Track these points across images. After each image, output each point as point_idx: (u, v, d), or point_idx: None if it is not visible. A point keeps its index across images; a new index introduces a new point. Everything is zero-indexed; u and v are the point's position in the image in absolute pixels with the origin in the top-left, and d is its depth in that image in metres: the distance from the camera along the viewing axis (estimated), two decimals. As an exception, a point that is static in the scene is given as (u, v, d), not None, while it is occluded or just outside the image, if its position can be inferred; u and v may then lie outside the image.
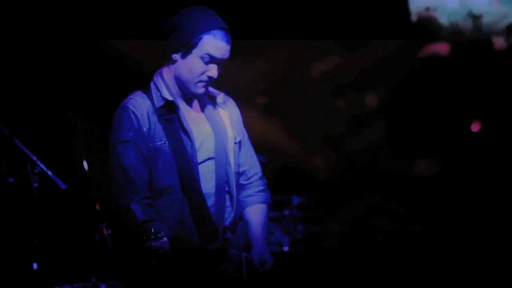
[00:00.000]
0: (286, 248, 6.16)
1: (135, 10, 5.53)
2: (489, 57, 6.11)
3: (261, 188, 3.60)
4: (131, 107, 3.39)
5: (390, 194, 6.19)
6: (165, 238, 3.11)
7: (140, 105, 3.40)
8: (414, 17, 6.05)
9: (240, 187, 3.56)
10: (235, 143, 3.54)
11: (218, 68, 3.39)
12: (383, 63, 6.09)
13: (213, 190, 3.42)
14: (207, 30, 3.34)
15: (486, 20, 6.11)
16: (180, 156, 3.37)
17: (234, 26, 3.43)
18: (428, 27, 6.05)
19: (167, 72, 3.45)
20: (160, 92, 3.43)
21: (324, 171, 6.33)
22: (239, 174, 3.56)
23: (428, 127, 6.18)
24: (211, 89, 3.51)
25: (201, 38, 3.34)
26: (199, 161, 3.41)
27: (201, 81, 3.39)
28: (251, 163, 3.60)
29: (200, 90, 3.42)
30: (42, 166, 4.75)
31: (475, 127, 6.17)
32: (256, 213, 3.56)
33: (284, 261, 5.74)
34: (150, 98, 3.42)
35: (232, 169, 3.50)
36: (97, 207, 4.94)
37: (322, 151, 6.26)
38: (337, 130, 6.34)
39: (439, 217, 6.03)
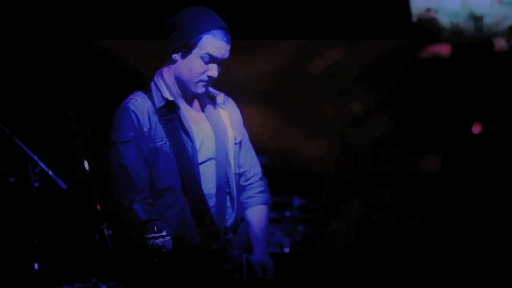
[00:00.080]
0: (286, 250, 6.16)
1: (136, 10, 5.53)
2: (490, 59, 6.11)
3: (261, 189, 3.60)
4: (131, 107, 3.39)
5: (391, 191, 6.19)
6: (168, 237, 3.11)
7: (140, 105, 3.40)
8: (415, 18, 6.05)
9: (241, 188, 3.56)
10: (235, 143, 3.54)
11: (218, 68, 3.39)
12: (382, 63, 6.08)
13: (213, 191, 3.42)
14: (207, 29, 3.34)
15: (487, 21, 6.11)
16: (180, 156, 3.36)
17: (234, 26, 3.43)
18: (429, 28, 6.06)
19: (167, 72, 3.45)
20: (160, 92, 3.43)
21: (326, 172, 6.33)
22: (239, 175, 3.55)
23: (428, 127, 6.17)
24: (211, 89, 3.51)
25: (201, 37, 3.34)
26: (199, 161, 3.41)
27: (202, 80, 3.39)
28: (251, 164, 3.60)
29: (201, 89, 3.41)
30: (43, 165, 4.75)
31: (476, 129, 6.17)
32: (256, 214, 3.56)
33: (284, 263, 5.74)
34: (151, 98, 3.42)
35: (232, 169, 3.50)
36: (98, 207, 4.94)
37: (323, 152, 6.26)
38: (339, 130, 6.34)
39: (439, 215, 6.03)
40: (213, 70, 3.37)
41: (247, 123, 3.64)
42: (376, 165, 6.28)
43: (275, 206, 6.17)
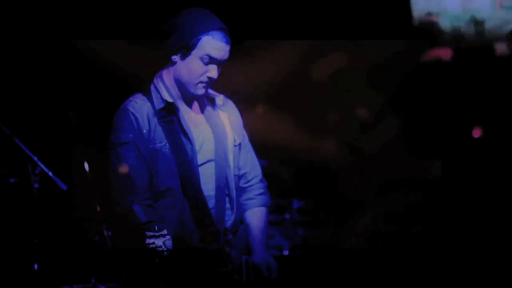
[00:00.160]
0: (286, 252, 6.16)
1: (136, 10, 5.54)
2: (491, 63, 6.11)
3: (261, 191, 3.60)
4: (131, 109, 3.39)
5: (392, 197, 6.19)
6: (168, 236, 3.12)
7: (140, 107, 3.40)
8: (416, 22, 6.06)
9: (240, 190, 3.56)
10: (235, 145, 3.54)
11: (218, 69, 3.40)
12: (382, 68, 6.08)
13: (213, 192, 3.43)
14: (205, 31, 3.34)
15: (488, 25, 6.12)
16: (180, 158, 3.37)
17: (234, 26, 3.43)
18: (430, 32, 6.06)
19: (167, 74, 3.46)
20: (160, 94, 3.43)
21: (326, 174, 6.33)
22: (239, 177, 3.56)
23: (429, 131, 6.17)
24: (210, 91, 3.51)
25: (200, 39, 3.34)
26: (199, 163, 3.41)
27: (201, 82, 3.40)
28: (251, 166, 3.60)
29: (200, 91, 3.42)
30: (43, 166, 4.75)
31: (477, 133, 6.17)
32: (256, 216, 3.56)
33: (284, 265, 5.73)
34: (150, 100, 3.42)
35: (232, 171, 3.50)
36: (98, 208, 4.94)
37: (322, 153, 6.26)
38: (339, 132, 6.35)
39: (440, 220, 6.03)
40: (212, 71, 3.38)
41: (248, 125, 3.64)
42: (380, 171, 6.26)
43: (275, 209, 6.17)
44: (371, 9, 6.01)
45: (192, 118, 3.46)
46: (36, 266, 4.75)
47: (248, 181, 3.58)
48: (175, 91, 3.45)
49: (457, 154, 6.13)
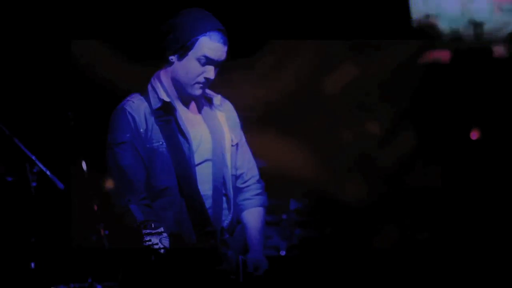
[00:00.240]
0: (283, 253, 6.16)
1: (136, 10, 5.54)
2: (489, 65, 6.11)
3: (258, 191, 3.61)
4: (128, 108, 3.40)
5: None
6: (165, 234, 3.12)
7: (137, 106, 3.41)
8: (415, 24, 6.06)
9: (237, 190, 3.57)
10: (232, 145, 3.55)
11: (215, 69, 3.40)
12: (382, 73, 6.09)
13: (210, 192, 3.43)
14: (203, 31, 3.35)
15: (487, 27, 6.13)
16: (177, 158, 3.37)
17: (234, 26, 3.44)
18: (428, 34, 6.06)
19: (164, 74, 3.46)
20: (157, 93, 3.44)
21: (324, 175, 6.33)
22: (236, 177, 3.56)
23: (427, 134, 6.17)
24: (208, 91, 3.52)
25: (197, 39, 3.35)
26: (196, 162, 3.42)
27: (198, 82, 3.40)
28: (248, 166, 3.61)
29: (197, 91, 3.42)
30: (41, 165, 4.74)
31: (474, 135, 6.17)
32: (253, 216, 3.57)
33: (280, 266, 5.73)
34: (147, 100, 3.43)
35: (229, 171, 3.50)
36: (95, 207, 4.94)
37: (320, 155, 6.25)
38: (334, 133, 6.34)
39: (440, 222, 6.03)
40: (209, 72, 3.38)
41: (246, 127, 3.65)
42: (387, 180, 6.25)
43: (272, 209, 6.16)
44: (370, 10, 6.01)
45: (190, 118, 3.46)
46: (33, 265, 4.74)
47: (245, 182, 3.59)
48: (172, 91, 3.45)
49: (456, 156, 6.12)
